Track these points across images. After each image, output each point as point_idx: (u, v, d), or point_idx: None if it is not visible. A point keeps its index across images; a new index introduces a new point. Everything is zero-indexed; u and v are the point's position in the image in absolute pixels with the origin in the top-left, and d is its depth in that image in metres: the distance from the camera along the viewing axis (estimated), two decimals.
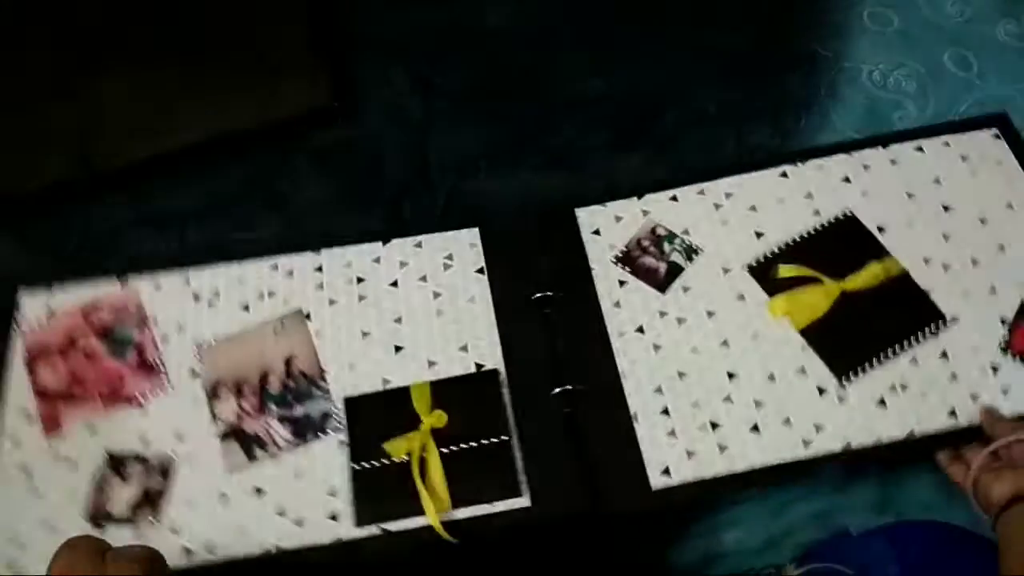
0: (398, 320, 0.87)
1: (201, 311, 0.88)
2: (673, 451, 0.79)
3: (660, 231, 0.90)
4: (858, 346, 0.82)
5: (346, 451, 0.80)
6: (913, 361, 0.82)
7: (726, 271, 0.88)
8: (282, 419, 0.82)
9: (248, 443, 0.81)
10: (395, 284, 0.89)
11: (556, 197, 0.98)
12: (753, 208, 0.91)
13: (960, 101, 1.02)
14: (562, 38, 1.10)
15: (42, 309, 0.88)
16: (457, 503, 0.77)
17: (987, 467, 0.74)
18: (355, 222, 0.99)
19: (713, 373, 0.83)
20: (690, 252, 0.89)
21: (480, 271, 0.89)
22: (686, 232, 0.90)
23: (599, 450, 0.80)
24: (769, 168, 0.93)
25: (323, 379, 0.84)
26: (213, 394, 0.83)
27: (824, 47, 1.07)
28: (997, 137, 0.93)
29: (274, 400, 0.82)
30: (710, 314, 0.85)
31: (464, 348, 0.85)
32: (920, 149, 0.93)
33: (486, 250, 0.91)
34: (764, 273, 0.87)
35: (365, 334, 0.86)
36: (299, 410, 0.82)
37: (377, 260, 0.90)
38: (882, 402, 0.80)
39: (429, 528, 0.76)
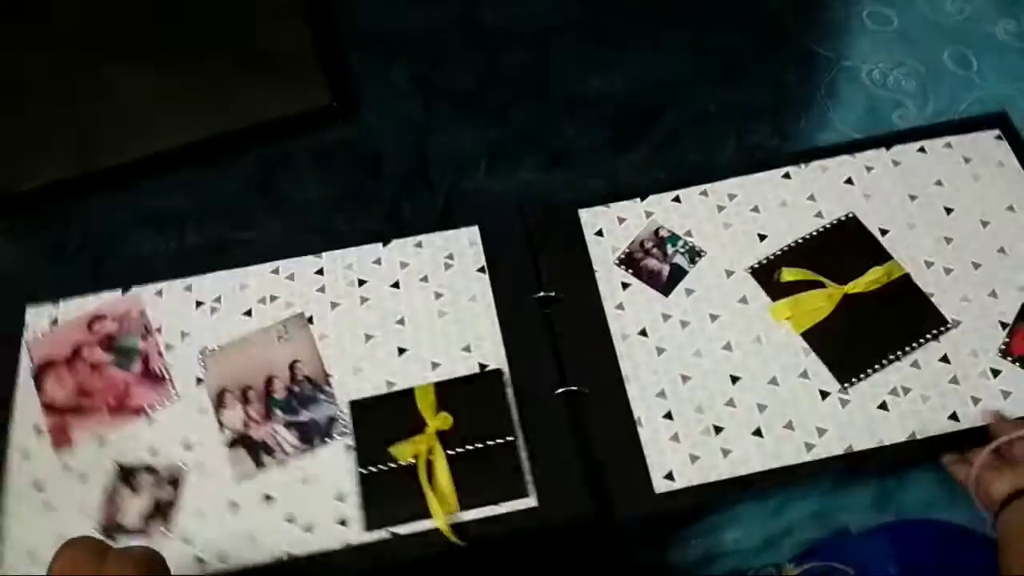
0: (400, 322, 0.87)
1: (204, 317, 0.88)
2: (676, 456, 0.80)
3: (663, 232, 0.90)
4: (860, 350, 0.83)
5: (353, 455, 0.80)
6: (914, 365, 0.82)
7: (729, 274, 0.88)
8: (288, 425, 0.82)
9: (256, 450, 0.81)
10: (396, 285, 0.89)
11: (556, 197, 0.99)
12: (756, 209, 0.91)
13: (960, 100, 1.02)
14: (562, 38, 1.09)
15: (46, 320, 0.89)
16: (464, 505, 0.78)
17: (989, 465, 0.75)
18: (355, 222, 0.99)
19: (716, 377, 0.83)
20: (693, 254, 0.89)
21: (481, 270, 0.90)
22: (689, 234, 0.90)
23: (603, 454, 0.81)
24: (772, 169, 0.93)
25: (328, 383, 0.84)
26: (219, 402, 0.83)
27: (824, 46, 1.07)
28: (999, 138, 0.93)
29: (280, 406, 0.83)
30: (713, 317, 0.86)
31: (467, 348, 0.85)
32: (922, 150, 0.93)
33: (487, 249, 0.91)
34: (767, 276, 0.87)
35: (368, 337, 0.86)
36: (305, 415, 0.82)
37: (378, 261, 0.90)
38: (883, 406, 0.81)
39: (437, 531, 0.76)
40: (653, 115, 1.03)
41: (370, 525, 0.78)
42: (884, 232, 0.89)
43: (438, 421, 0.80)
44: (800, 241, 0.89)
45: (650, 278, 0.88)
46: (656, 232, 0.91)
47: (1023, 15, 1.07)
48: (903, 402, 0.81)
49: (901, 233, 0.89)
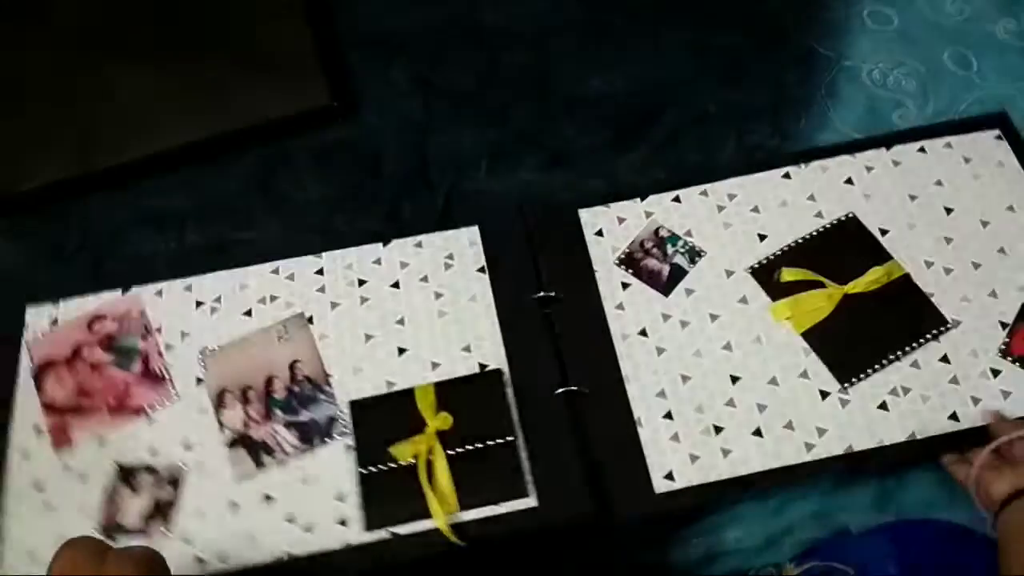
0: (400, 322, 0.87)
1: (204, 317, 0.88)
2: (676, 456, 0.80)
3: (663, 232, 0.91)
4: (860, 350, 0.83)
5: (353, 455, 0.80)
6: (914, 365, 0.82)
7: (729, 274, 0.88)
8: (288, 425, 0.82)
9: (256, 450, 0.81)
10: (396, 285, 0.89)
11: (556, 197, 0.99)
12: (756, 210, 0.91)
13: (960, 100, 1.02)
14: (562, 38, 1.09)
15: (46, 320, 0.89)
16: (464, 505, 0.78)
17: (989, 465, 0.75)
18: (355, 222, 0.99)
19: (716, 377, 0.83)
20: (693, 254, 0.89)
21: (481, 270, 0.90)
22: (689, 234, 0.90)
23: (603, 454, 0.81)
24: (772, 169, 0.93)
25: (328, 383, 0.84)
26: (219, 402, 0.83)
27: (824, 46, 1.07)
28: (999, 138, 0.93)
29: (280, 406, 0.83)
30: (713, 317, 0.86)
31: (467, 348, 0.85)
32: (922, 150, 0.93)
33: (486, 249, 0.91)
34: (767, 276, 0.87)
35: (368, 337, 0.86)
36: (305, 415, 0.82)
37: (378, 261, 0.91)
38: (883, 406, 0.81)
39: (437, 531, 0.76)
40: (653, 115, 1.03)
41: (370, 525, 0.78)
42: (884, 232, 0.89)
43: (438, 421, 0.80)
44: (800, 241, 0.89)
45: (650, 278, 0.88)
46: (656, 232, 0.91)
47: (1023, 15, 1.07)
48: (903, 402, 0.81)
49: (901, 233, 0.89)
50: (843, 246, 0.88)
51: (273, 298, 0.89)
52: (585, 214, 0.92)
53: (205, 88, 1.03)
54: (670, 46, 1.08)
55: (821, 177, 0.92)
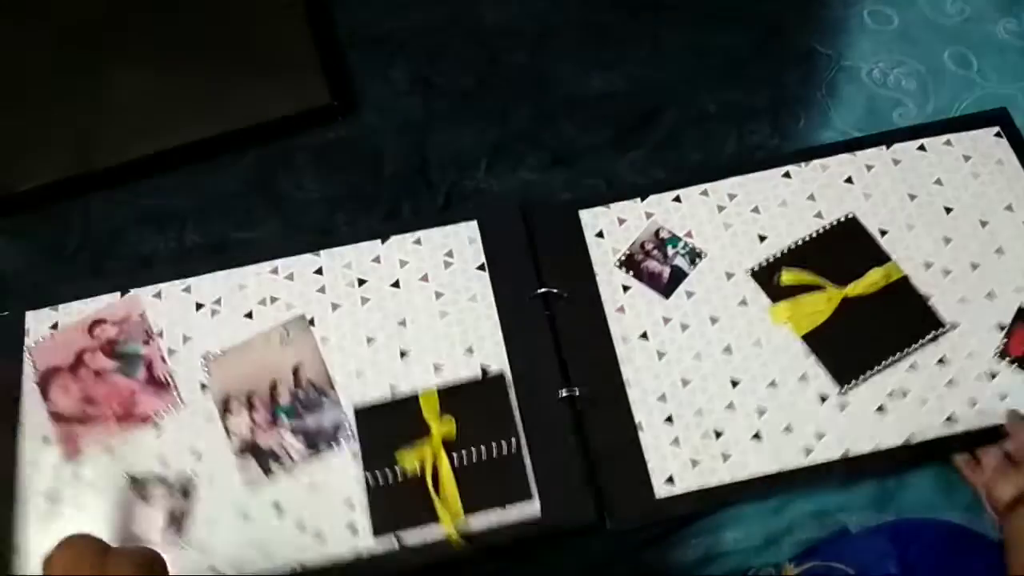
0: (402, 323, 0.87)
1: (204, 320, 0.88)
2: (677, 460, 0.81)
3: (664, 234, 0.91)
4: (859, 352, 0.83)
5: (360, 461, 0.81)
6: (912, 367, 0.83)
7: (729, 275, 0.88)
8: (294, 431, 0.82)
9: (263, 458, 0.81)
10: (396, 285, 0.89)
11: (556, 197, 0.99)
12: (756, 210, 0.91)
13: (960, 99, 1.02)
14: (562, 38, 1.09)
15: (46, 325, 0.88)
16: (468, 509, 0.78)
17: (997, 468, 0.75)
18: (355, 221, 0.99)
19: (716, 380, 0.84)
20: (694, 256, 0.89)
21: (481, 268, 0.90)
22: (689, 235, 0.91)
23: (604, 458, 0.81)
24: (772, 168, 0.94)
25: (332, 388, 0.84)
26: (225, 408, 0.83)
27: (824, 46, 1.07)
28: (999, 136, 0.94)
29: (285, 412, 0.83)
30: (713, 320, 0.86)
31: (469, 350, 0.85)
32: (922, 148, 0.94)
33: (486, 247, 0.91)
34: (767, 277, 0.88)
35: (370, 340, 0.86)
36: (311, 421, 0.82)
37: (377, 259, 0.90)
38: (881, 408, 0.81)
39: (443, 536, 0.77)
40: (653, 115, 1.03)
41: (378, 530, 0.78)
42: (883, 232, 0.89)
43: (442, 426, 0.81)
44: (800, 242, 0.89)
45: (651, 280, 0.88)
46: (656, 233, 0.91)
47: (1023, 15, 1.07)
48: (901, 405, 0.81)
49: (900, 233, 0.89)
50: (843, 247, 0.89)
51: (273, 299, 0.89)
52: (585, 215, 0.92)
53: (205, 88, 1.03)
54: (670, 46, 1.08)
55: (821, 176, 0.93)
